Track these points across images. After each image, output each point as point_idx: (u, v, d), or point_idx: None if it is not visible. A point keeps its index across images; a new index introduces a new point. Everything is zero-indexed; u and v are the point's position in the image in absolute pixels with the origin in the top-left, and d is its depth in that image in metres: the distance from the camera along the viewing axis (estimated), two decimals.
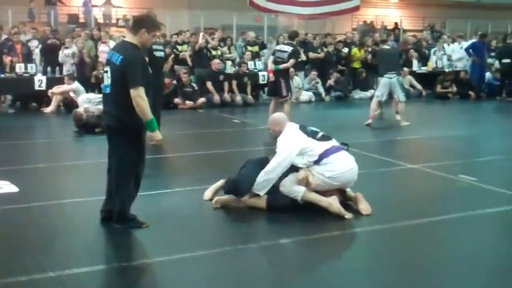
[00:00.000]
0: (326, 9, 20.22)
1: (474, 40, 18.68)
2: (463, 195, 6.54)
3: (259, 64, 16.53)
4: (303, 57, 16.90)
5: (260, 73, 16.02)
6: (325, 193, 5.64)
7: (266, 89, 13.86)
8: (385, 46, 12.61)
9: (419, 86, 17.42)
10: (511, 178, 7.54)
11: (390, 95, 11.72)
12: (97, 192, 5.90)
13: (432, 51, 19.52)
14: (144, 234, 5.05)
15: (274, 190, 5.67)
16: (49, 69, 14.70)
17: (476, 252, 4.73)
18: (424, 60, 18.96)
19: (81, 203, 6.04)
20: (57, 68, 14.80)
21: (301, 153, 5.65)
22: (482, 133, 11.27)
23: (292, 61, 10.77)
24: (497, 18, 24.75)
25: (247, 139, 10.72)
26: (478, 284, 4.11)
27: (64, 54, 14.80)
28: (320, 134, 5.83)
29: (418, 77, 17.83)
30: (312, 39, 17.87)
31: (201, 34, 15.96)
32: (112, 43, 14.70)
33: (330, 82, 16.98)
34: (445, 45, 19.76)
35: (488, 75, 18.14)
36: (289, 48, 10.88)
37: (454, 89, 17.47)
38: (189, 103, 14.40)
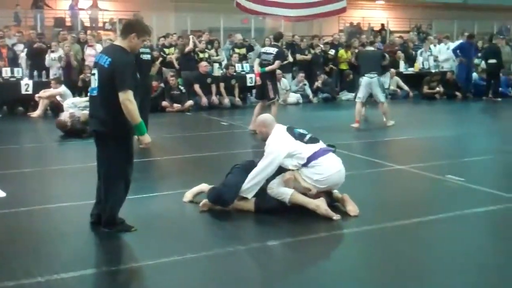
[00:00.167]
0: (313, 11, 20.28)
1: (461, 40, 18.78)
2: (450, 195, 6.57)
3: (247, 67, 16.56)
4: (290, 59, 16.96)
5: (248, 75, 16.03)
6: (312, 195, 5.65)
7: (254, 91, 13.85)
8: (369, 48, 12.64)
9: (406, 87, 17.52)
10: (498, 177, 7.61)
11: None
12: (85, 196, 5.90)
13: (418, 52, 19.63)
14: (133, 238, 5.03)
15: (262, 193, 5.67)
16: (35, 73, 14.63)
17: (464, 252, 4.76)
18: (410, 61, 19.06)
19: (69, 208, 6.01)
20: (44, 72, 14.74)
21: (290, 156, 5.66)
22: (469, 133, 11.33)
23: (277, 62, 10.77)
24: (483, 18, 24.90)
25: (235, 142, 10.72)
26: (466, 284, 4.12)
27: (50, 58, 14.76)
28: (307, 137, 5.83)
29: (405, 78, 17.93)
30: (300, 41, 17.91)
31: (191, 37, 15.93)
32: (98, 47, 14.67)
33: (318, 83, 17.03)
34: (432, 46, 19.88)
35: (474, 75, 18.25)
36: (274, 50, 10.89)
37: (441, 89, 17.58)
38: (176, 106, 14.39)
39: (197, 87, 15.09)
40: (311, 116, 14.38)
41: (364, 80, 11.38)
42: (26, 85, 14.11)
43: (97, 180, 5.27)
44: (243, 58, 17.18)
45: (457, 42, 19.04)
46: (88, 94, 5.35)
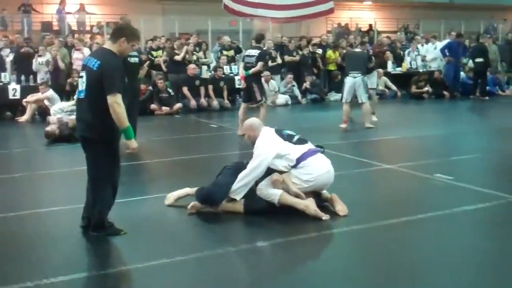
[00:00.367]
0: (301, 12, 20.23)
1: (448, 40, 18.86)
2: (439, 194, 6.60)
3: (235, 69, 16.56)
4: (279, 60, 17.01)
5: (236, 78, 16.03)
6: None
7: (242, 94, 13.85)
8: (357, 49, 12.68)
9: (394, 87, 17.58)
10: (486, 176, 7.65)
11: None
12: (74, 200, 5.88)
13: (406, 52, 19.71)
14: (122, 241, 5.02)
15: (251, 194, 5.68)
16: (23, 77, 14.58)
17: (453, 250, 4.78)
18: (398, 61, 19.13)
19: (58, 212, 6.00)
20: (31, 76, 14.69)
21: (279, 157, 5.67)
22: (457, 132, 11.39)
23: (260, 63, 10.72)
24: (469, 18, 25.02)
25: (224, 144, 10.72)
26: (456, 282, 4.14)
27: (38, 62, 14.71)
28: (296, 138, 5.85)
29: (393, 78, 17.99)
30: (288, 42, 17.95)
31: (185, 48, 15.83)
32: (86, 50, 14.64)
33: (306, 85, 17.07)
34: (419, 46, 19.96)
35: (462, 74, 18.35)
36: (256, 52, 10.87)
37: (429, 89, 17.67)
38: (165, 108, 14.38)
39: (185, 89, 15.09)
40: (300, 117, 14.41)
41: (348, 80, 11.40)
42: (14, 90, 14.08)
43: (86, 183, 5.27)
44: (231, 60, 17.18)
45: (444, 42, 19.14)
46: (75, 96, 5.32)
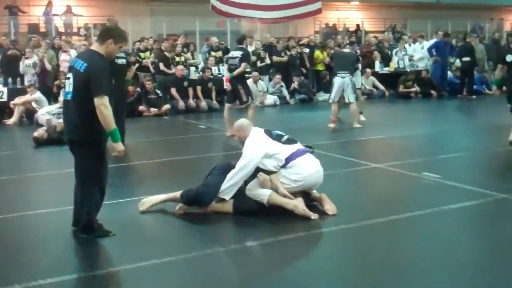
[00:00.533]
0: (289, 13, 20.27)
1: (435, 39, 18.95)
2: (427, 192, 6.63)
3: (223, 69, 16.53)
4: (267, 60, 17.03)
5: (225, 78, 16.00)
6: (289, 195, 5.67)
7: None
8: (345, 49, 12.72)
9: (381, 87, 17.60)
10: (474, 174, 7.68)
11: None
12: (61, 203, 5.88)
13: (393, 51, 19.77)
14: (111, 243, 5.02)
15: (240, 194, 5.69)
16: (10, 80, 14.51)
17: (441, 248, 4.79)
18: (386, 60, 19.19)
19: (46, 214, 5.97)
20: (18, 79, 14.62)
21: (268, 156, 5.68)
22: (445, 131, 11.43)
23: (244, 64, 10.72)
24: (456, 17, 25.13)
25: (213, 145, 10.72)
26: (444, 280, 4.16)
27: (25, 65, 14.65)
28: (285, 138, 5.87)
29: (381, 77, 18.02)
30: (276, 42, 17.97)
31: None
32: (73, 52, 14.59)
33: (294, 85, 17.09)
34: (407, 46, 20.03)
35: (449, 73, 18.43)
36: (239, 53, 10.86)
37: (416, 88, 17.74)
38: (153, 110, 14.36)
39: (173, 90, 15.07)
40: (288, 117, 14.43)
41: (336, 80, 11.42)
42: (1, 92, 14.01)
43: (74, 186, 5.26)
44: (219, 61, 17.17)
45: (432, 41, 19.23)
46: (62, 98, 5.31)
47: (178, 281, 4.30)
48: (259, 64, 17.11)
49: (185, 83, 15.29)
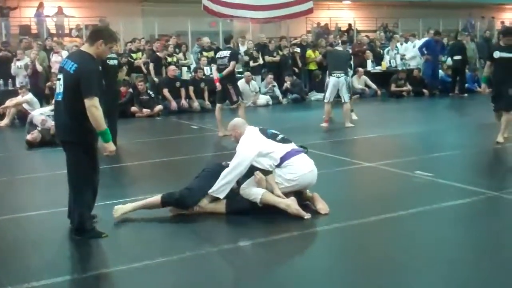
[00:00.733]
0: (281, 13, 20.26)
1: (427, 38, 19.00)
2: (419, 190, 6.65)
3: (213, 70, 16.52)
4: (260, 60, 17.03)
5: (214, 79, 15.98)
6: (283, 194, 5.67)
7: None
8: (338, 48, 12.73)
9: (374, 86, 17.67)
10: (466, 172, 7.72)
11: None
12: (54, 204, 5.86)
13: (385, 50, 19.82)
14: (104, 244, 5.02)
15: (232, 194, 5.69)
16: (1, 81, 14.47)
17: (434, 246, 4.81)
18: (378, 60, 19.24)
19: (37, 216, 5.96)
20: (10, 80, 14.57)
21: (263, 155, 5.69)
22: (437, 129, 11.45)
23: (233, 63, 10.70)
24: (448, 16, 25.23)
25: (205, 145, 10.71)
26: (437, 278, 4.17)
27: (16, 66, 14.60)
28: (280, 136, 5.90)
29: (373, 76, 18.09)
30: (268, 42, 17.98)
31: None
32: (65, 53, 14.54)
33: (287, 85, 17.10)
34: (398, 44, 20.09)
35: (440, 72, 18.48)
36: (227, 52, 10.87)
37: (408, 87, 17.78)
38: (146, 111, 14.34)
39: (166, 91, 15.06)
40: (281, 117, 14.43)
41: (331, 79, 11.45)
42: None
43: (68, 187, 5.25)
44: (211, 61, 17.10)
45: (423, 40, 19.27)
46: (54, 99, 5.30)
47: (171, 282, 4.29)
48: (252, 64, 17.12)
49: (177, 84, 15.28)
